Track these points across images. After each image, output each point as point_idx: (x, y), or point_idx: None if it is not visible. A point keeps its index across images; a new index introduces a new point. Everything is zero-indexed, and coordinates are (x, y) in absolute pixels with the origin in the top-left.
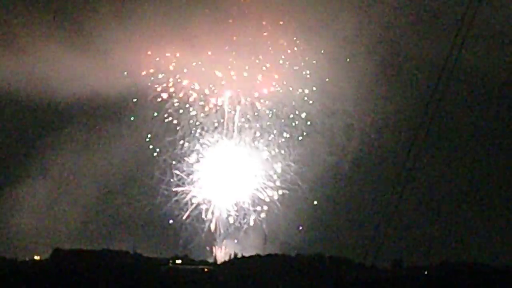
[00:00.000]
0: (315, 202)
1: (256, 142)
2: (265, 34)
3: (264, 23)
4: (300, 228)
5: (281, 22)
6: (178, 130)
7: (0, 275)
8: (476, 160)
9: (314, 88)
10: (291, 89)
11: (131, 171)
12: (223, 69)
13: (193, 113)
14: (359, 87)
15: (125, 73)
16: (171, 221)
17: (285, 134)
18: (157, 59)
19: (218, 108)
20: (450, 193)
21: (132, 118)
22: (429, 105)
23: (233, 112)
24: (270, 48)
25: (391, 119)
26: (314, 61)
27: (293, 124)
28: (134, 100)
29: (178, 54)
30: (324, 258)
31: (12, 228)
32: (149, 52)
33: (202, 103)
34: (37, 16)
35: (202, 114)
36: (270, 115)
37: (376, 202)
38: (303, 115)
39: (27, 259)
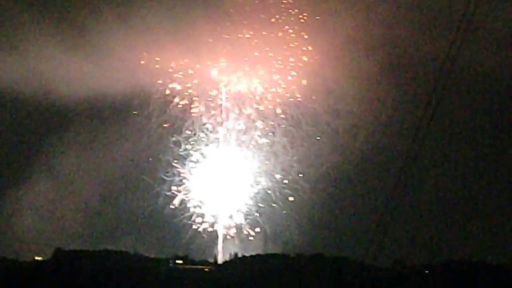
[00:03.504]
0: (317, 202)
1: (259, 142)
2: (267, 34)
3: (266, 22)
4: (302, 227)
5: (283, 21)
6: (181, 130)
7: (0, 276)
8: (480, 158)
9: (318, 88)
10: (294, 87)
11: (133, 172)
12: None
13: (196, 113)
14: (363, 87)
15: (128, 74)
16: (172, 221)
17: (288, 134)
18: (161, 59)
19: (221, 108)
20: (453, 191)
21: (135, 119)
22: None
23: (236, 112)
24: (273, 48)
25: (395, 118)
26: (318, 61)
27: (297, 124)
28: (137, 100)
29: (181, 55)
30: (324, 258)
31: (13, 228)
32: (152, 53)
33: (205, 103)
34: (40, 18)
35: (206, 114)
36: (273, 115)
37: (377, 201)
38: (307, 115)
39: (28, 259)
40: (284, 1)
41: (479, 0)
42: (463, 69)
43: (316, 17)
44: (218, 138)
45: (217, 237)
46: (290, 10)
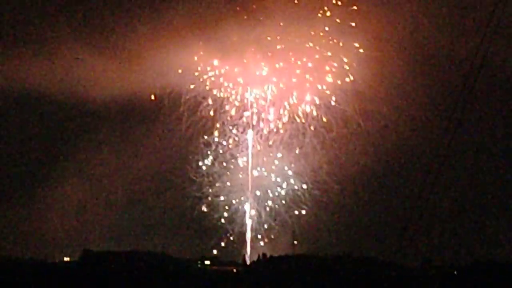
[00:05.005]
0: (346, 203)
1: (289, 143)
2: (295, 34)
3: (293, 22)
4: (330, 228)
5: (311, 22)
6: (211, 131)
7: (29, 276)
8: (508, 159)
9: (347, 89)
10: (323, 88)
11: (163, 173)
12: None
13: (226, 114)
14: (392, 87)
15: (158, 75)
16: (201, 222)
17: (319, 136)
18: (189, 61)
19: (251, 109)
20: (483, 191)
21: (165, 120)
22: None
23: (266, 113)
24: (301, 49)
25: (425, 119)
26: (346, 62)
27: (327, 125)
28: (167, 102)
29: (209, 56)
30: (353, 258)
31: (42, 230)
32: (180, 55)
33: (237, 104)
34: (68, 21)
35: (235, 115)
36: (303, 116)
37: (407, 202)
38: (337, 116)
39: (56, 260)
40: (310, 2)
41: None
42: (493, 69)
43: (344, 18)
44: (247, 139)
45: (245, 237)
46: (316, 11)
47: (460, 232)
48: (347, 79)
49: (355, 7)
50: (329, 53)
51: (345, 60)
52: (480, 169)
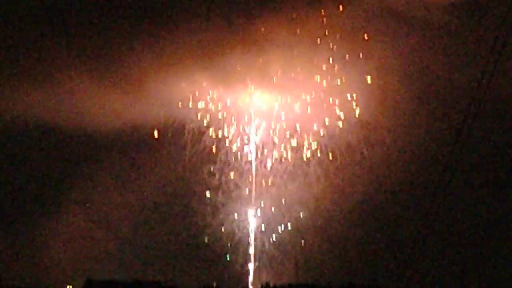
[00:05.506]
0: (350, 232)
1: (292, 173)
2: (298, 62)
3: (296, 50)
4: (334, 257)
5: (314, 51)
6: (215, 160)
7: None
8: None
9: (351, 118)
10: (326, 117)
11: (166, 202)
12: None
13: (230, 143)
14: (396, 117)
15: (162, 105)
16: (205, 251)
17: (322, 165)
18: (193, 90)
19: (255, 137)
20: (486, 223)
21: (169, 149)
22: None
23: (270, 141)
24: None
25: (429, 149)
26: (350, 90)
27: (331, 154)
28: (171, 131)
29: (213, 85)
30: (357, 287)
31: (45, 259)
32: (184, 84)
33: (238, 133)
34: (72, 50)
35: (239, 144)
36: (307, 145)
37: (410, 232)
38: (341, 145)
39: None
40: (313, 30)
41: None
42: (496, 99)
43: (347, 46)
44: (251, 168)
45: (248, 267)
46: (319, 39)
47: (463, 263)
48: (351, 109)
49: (360, 37)
50: (334, 84)
51: (350, 90)
52: (486, 198)
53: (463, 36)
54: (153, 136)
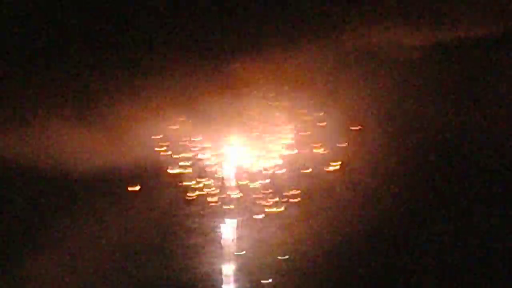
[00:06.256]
0: (330, 274)
1: (272, 214)
2: (278, 106)
3: (277, 94)
4: None
5: (294, 96)
6: (193, 203)
7: None
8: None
9: (332, 160)
10: (306, 160)
11: (144, 246)
12: (236, 143)
13: (208, 186)
14: (376, 159)
15: (139, 148)
16: None
17: (301, 206)
18: (171, 134)
19: (233, 181)
20: (468, 266)
21: (147, 192)
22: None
23: (248, 185)
24: (284, 122)
25: (409, 191)
26: (331, 134)
27: (310, 196)
28: (149, 174)
29: (191, 130)
30: None
31: None
32: (162, 128)
33: (217, 177)
34: (46, 92)
35: (217, 187)
36: (286, 188)
37: (391, 274)
38: (322, 187)
39: None
40: (295, 77)
41: (485, 66)
42: (472, 141)
43: (328, 93)
44: (230, 210)
45: None
46: (302, 85)
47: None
48: (331, 152)
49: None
50: (313, 130)
51: (330, 134)
52: (469, 241)
53: (436, 75)
54: (130, 179)
